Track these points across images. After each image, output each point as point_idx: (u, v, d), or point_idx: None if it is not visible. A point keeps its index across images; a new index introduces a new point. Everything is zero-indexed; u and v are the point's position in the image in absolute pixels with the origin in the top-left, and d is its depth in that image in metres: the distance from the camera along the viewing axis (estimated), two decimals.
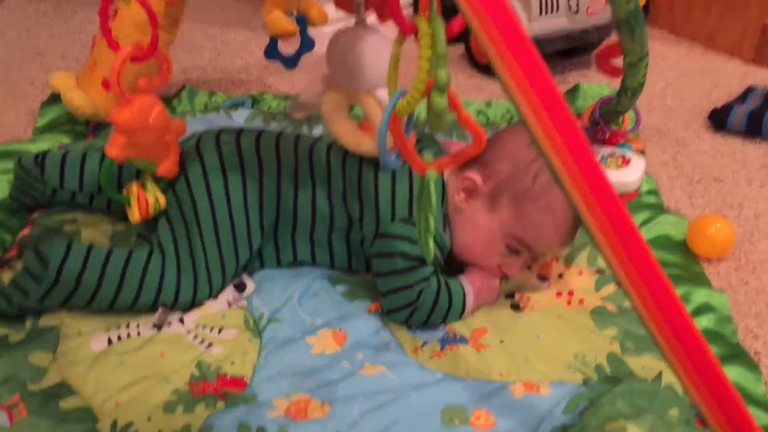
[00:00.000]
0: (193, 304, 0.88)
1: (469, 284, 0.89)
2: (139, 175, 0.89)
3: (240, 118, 1.26)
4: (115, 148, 0.79)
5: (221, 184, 0.88)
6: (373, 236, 0.89)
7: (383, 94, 0.82)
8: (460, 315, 0.89)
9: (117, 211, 1.01)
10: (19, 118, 1.32)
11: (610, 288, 0.92)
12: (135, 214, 0.85)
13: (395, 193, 0.89)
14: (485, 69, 1.57)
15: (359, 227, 0.90)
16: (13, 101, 1.37)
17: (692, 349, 0.57)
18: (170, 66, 0.85)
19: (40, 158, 0.98)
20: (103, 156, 0.79)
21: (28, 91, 1.40)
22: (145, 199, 0.85)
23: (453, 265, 0.93)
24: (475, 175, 0.88)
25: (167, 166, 0.86)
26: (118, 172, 0.96)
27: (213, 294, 0.90)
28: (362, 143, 0.87)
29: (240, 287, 0.93)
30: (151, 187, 0.86)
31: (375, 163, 0.90)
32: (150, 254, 0.86)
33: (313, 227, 0.92)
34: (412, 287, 0.85)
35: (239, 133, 0.93)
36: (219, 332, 0.86)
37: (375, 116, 0.83)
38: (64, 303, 0.84)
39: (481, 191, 0.89)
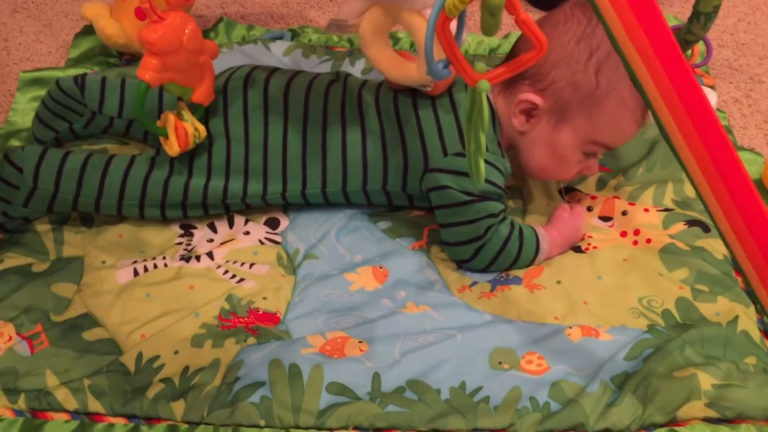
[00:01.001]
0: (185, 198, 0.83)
1: (546, 235, 0.82)
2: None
3: (278, 50, 1.19)
4: (147, 70, 0.74)
5: (242, 126, 0.83)
6: (422, 173, 0.82)
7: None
8: (529, 264, 0.82)
9: (153, 142, 0.96)
10: (52, 51, 1.28)
11: (680, 226, 0.84)
12: (174, 147, 0.78)
13: (441, 126, 0.81)
14: (539, 3, 1.47)
15: (403, 169, 0.83)
16: (48, 35, 1.34)
17: None
18: None
19: (80, 80, 0.94)
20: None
21: (62, 24, 1.37)
22: (183, 129, 0.78)
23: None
24: (530, 95, 0.80)
25: (203, 92, 0.80)
26: (158, 108, 0.91)
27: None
28: (402, 69, 0.80)
29: (273, 224, 0.87)
30: (187, 116, 0.79)
31: (411, 97, 0.83)
32: (134, 158, 0.83)
33: (345, 178, 0.85)
34: (478, 222, 0.79)
35: (270, 74, 0.86)
36: (250, 267, 0.81)
37: (420, 38, 0.75)
38: (49, 207, 0.82)
39: (542, 110, 0.81)
